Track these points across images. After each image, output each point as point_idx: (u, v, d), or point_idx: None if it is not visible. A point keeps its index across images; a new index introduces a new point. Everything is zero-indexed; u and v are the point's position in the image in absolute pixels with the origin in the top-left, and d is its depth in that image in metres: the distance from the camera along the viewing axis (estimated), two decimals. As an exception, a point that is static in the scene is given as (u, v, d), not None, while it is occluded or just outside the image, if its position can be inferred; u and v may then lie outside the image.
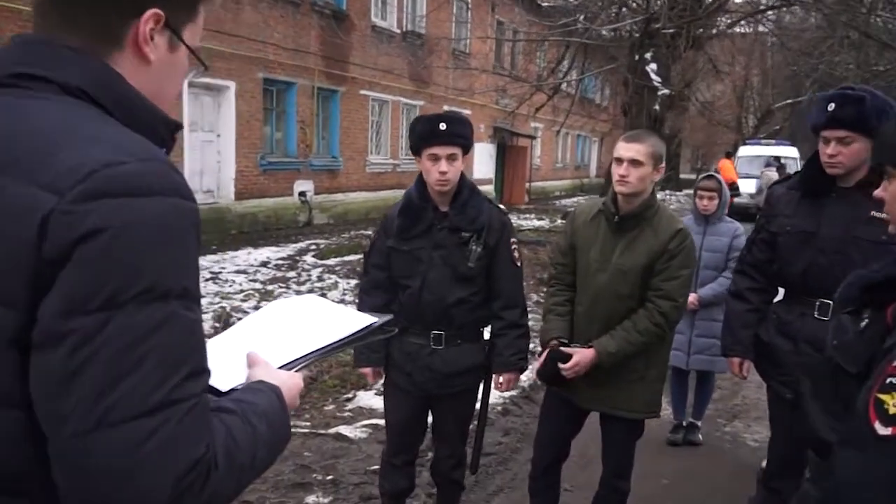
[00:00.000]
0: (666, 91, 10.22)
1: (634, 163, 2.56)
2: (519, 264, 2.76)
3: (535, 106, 14.71)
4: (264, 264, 10.36)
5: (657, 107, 10.26)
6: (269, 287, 8.85)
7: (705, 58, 11.95)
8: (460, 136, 2.63)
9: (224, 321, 7.16)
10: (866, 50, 16.30)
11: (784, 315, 2.67)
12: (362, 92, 16.44)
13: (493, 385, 2.87)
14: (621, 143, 2.68)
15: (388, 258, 2.77)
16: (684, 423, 4.57)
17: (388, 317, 1.28)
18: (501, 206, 2.82)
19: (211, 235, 12.23)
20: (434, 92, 19.07)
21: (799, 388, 2.60)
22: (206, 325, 7.01)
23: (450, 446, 2.90)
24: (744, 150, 22.05)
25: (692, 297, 4.31)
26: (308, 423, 4.53)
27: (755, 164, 19.75)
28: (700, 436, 4.53)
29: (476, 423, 3.02)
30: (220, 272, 9.61)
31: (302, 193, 14.74)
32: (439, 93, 19.24)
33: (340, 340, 1.19)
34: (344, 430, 4.34)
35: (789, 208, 2.66)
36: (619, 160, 2.62)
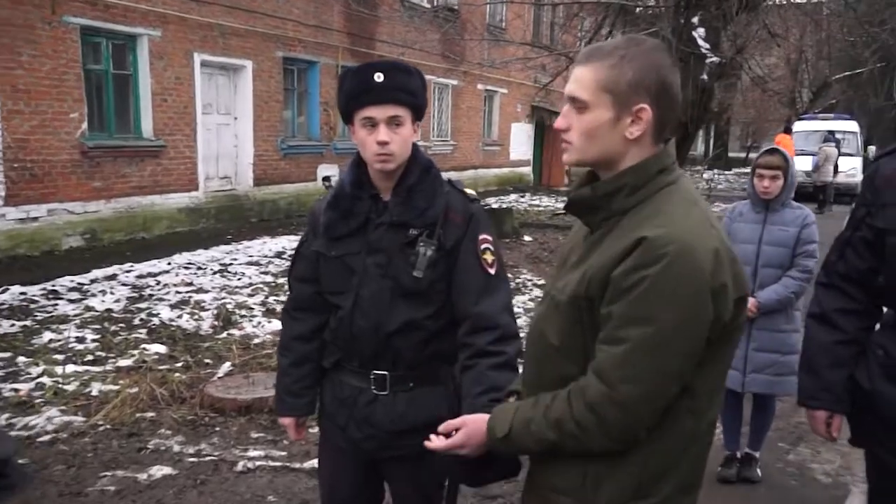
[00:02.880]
0: (715, 59, 9.18)
1: (576, 104, 1.39)
2: (494, 271, 1.91)
3: (572, 81, 13.68)
4: (279, 255, 9.75)
5: (705, 76, 9.22)
6: (280, 280, 8.22)
7: (759, 23, 10.79)
8: (405, 90, 1.85)
9: (225, 319, 6.54)
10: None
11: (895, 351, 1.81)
12: (382, 60, 15.58)
13: None
14: None
15: (317, 267, 2.02)
16: (739, 455, 3.73)
17: None
18: (470, 192, 1.98)
19: (228, 224, 11.69)
20: (468, 69, 18.20)
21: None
22: (206, 324, 6.41)
23: None
24: (799, 125, 20.69)
25: (750, 303, 3.45)
26: (284, 454, 3.83)
27: (812, 140, 18.46)
28: (758, 471, 3.68)
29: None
30: (230, 264, 9.03)
31: (326, 178, 13.58)
32: (474, 70, 18.35)
33: None
34: (322, 463, 3.63)
35: None
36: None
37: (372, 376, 1.94)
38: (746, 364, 3.51)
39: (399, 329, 1.88)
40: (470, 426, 1.51)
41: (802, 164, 16.26)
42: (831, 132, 18.14)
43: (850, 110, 28.09)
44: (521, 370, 1.67)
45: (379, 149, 1.83)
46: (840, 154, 17.40)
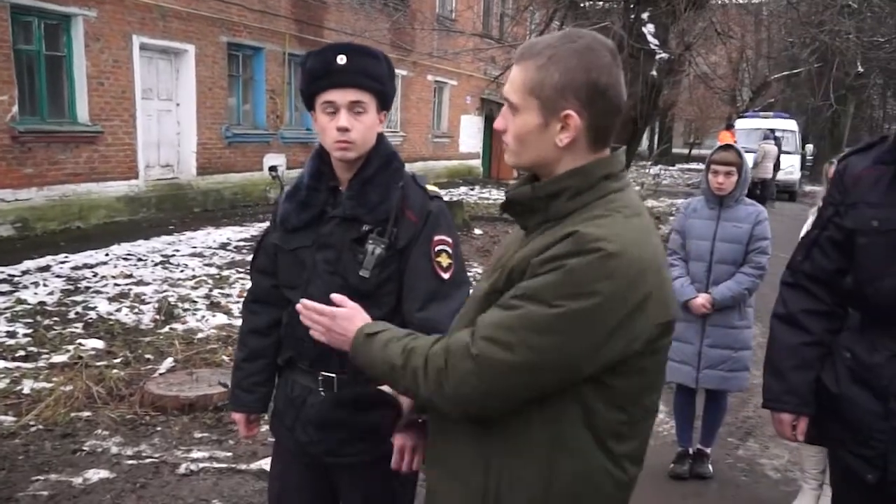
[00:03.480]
0: (664, 55, 9.29)
1: (509, 105, 1.31)
2: (448, 276, 1.77)
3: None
4: (224, 246, 9.47)
5: (654, 72, 9.32)
6: (225, 272, 7.97)
7: (706, 20, 10.99)
8: (369, 74, 1.74)
9: (167, 313, 6.29)
10: (866, 19, 15.47)
11: (864, 355, 1.79)
12: (351, 43, 15.31)
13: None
14: None
15: (275, 260, 1.92)
16: (691, 452, 3.75)
17: None
18: (432, 188, 1.87)
19: (169, 214, 11.30)
20: (417, 60, 18.04)
21: (889, 467, 1.81)
22: (146, 318, 6.15)
23: None
24: (741, 123, 21.22)
25: (703, 298, 3.48)
26: (230, 454, 3.68)
27: (753, 137, 18.94)
28: (710, 467, 3.71)
29: None
30: (172, 255, 8.72)
31: (273, 168, 13.74)
32: (423, 60, 18.20)
33: None
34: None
35: (876, 193, 1.77)
36: None
37: (320, 377, 1.83)
38: (700, 360, 3.52)
39: None
40: (356, 310, 1.46)
41: (743, 161, 16.72)
42: (772, 130, 18.67)
43: (787, 109, 28.98)
44: None
45: (339, 135, 1.72)
46: (780, 152, 17.94)
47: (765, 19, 26.24)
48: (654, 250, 1.23)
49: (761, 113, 23.73)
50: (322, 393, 1.84)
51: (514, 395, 1.21)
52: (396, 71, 17.44)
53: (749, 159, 13.98)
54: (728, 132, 18.50)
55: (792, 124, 21.38)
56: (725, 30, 14.02)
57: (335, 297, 1.49)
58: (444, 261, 1.77)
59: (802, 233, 3.58)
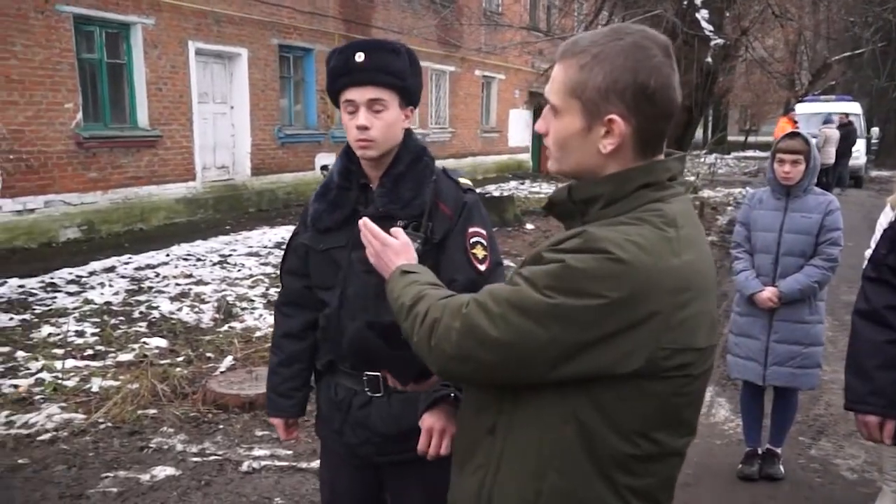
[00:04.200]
0: (719, 41, 9.02)
1: (551, 108, 1.23)
2: (484, 267, 1.75)
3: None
4: (278, 245, 9.62)
5: (709, 59, 9.06)
6: (281, 271, 8.09)
7: (762, 3, 10.63)
8: (388, 70, 1.71)
9: (226, 312, 6.42)
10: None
11: None
12: (374, 39, 15.41)
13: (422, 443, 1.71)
14: None
15: (307, 261, 1.91)
16: (760, 452, 3.63)
17: None
18: (464, 181, 1.83)
19: (226, 214, 11.55)
20: (465, 55, 18.00)
21: None
22: (206, 317, 6.30)
23: None
24: (801, 108, 20.49)
25: (769, 292, 3.36)
26: (290, 452, 3.73)
27: (813, 122, 18.29)
28: (781, 467, 3.58)
29: None
30: (230, 255, 8.91)
31: (324, 167, 13.57)
32: (471, 56, 18.15)
33: None
34: (331, 462, 3.53)
35: None
36: None
37: (365, 378, 1.81)
38: (767, 356, 3.40)
39: (385, 330, 1.66)
40: (407, 247, 1.47)
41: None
42: (844, 114, 18.00)
43: (850, 92, 27.93)
44: None
45: (358, 134, 1.71)
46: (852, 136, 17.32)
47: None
48: (677, 267, 1.10)
49: (822, 97, 22.88)
50: (368, 393, 1.82)
51: (488, 369, 1.15)
52: (444, 67, 17.53)
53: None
54: (787, 118, 17.89)
55: (856, 107, 20.55)
56: (783, 11, 13.56)
57: (394, 229, 1.49)
58: (480, 252, 1.75)
59: (880, 222, 3.43)
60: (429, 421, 1.61)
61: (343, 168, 1.82)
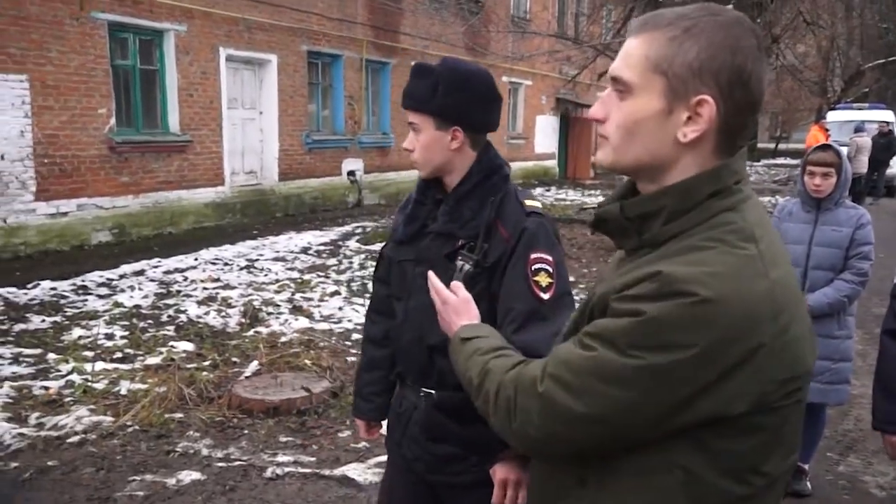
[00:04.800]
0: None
1: (618, 86, 1.08)
2: (548, 296, 1.64)
3: (599, 72, 13.50)
4: (305, 250, 9.70)
5: (740, 67, 8.97)
6: (307, 276, 8.16)
7: (793, 11, 10.50)
8: (414, 96, 1.76)
9: (252, 316, 6.49)
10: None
11: None
12: (415, 63, 15.50)
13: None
14: None
15: (389, 271, 1.95)
16: (787, 467, 3.57)
17: None
18: (534, 204, 1.75)
19: (253, 219, 11.68)
20: (493, 62, 17.99)
21: None
22: (233, 321, 6.36)
23: None
24: (833, 115, 20.17)
25: (799, 306, 3.29)
26: (314, 459, 3.75)
27: (845, 130, 17.98)
28: (808, 484, 3.52)
29: None
30: (256, 259, 9.00)
31: (351, 173, 14.03)
32: (498, 62, 18.15)
33: None
34: (354, 470, 3.54)
35: None
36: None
37: (422, 394, 1.82)
38: (796, 371, 3.35)
39: (439, 346, 1.69)
40: (466, 304, 1.42)
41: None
42: (885, 123, 17.71)
43: (884, 99, 27.41)
44: None
45: (410, 154, 1.78)
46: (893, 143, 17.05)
47: (857, 5, 24.92)
48: (768, 288, 0.97)
49: (854, 104, 22.49)
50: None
51: (580, 444, 1.04)
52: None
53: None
54: (818, 126, 17.61)
55: (889, 115, 20.16)
56: (814, 18, 13.38)
57: (454, 284, 1.48)
58: (544, 280, 1.66)
59: None
60: (501, 472, 1.57)
61: (421, 183, 1.86)
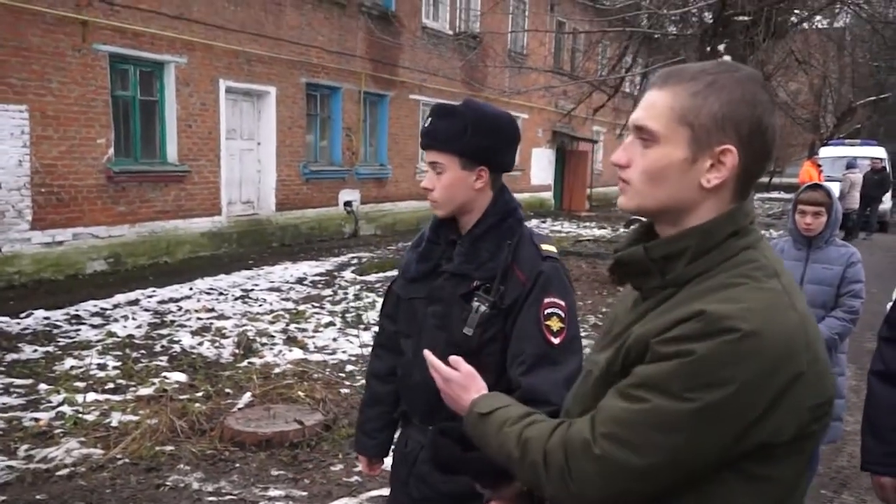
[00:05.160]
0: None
1: (642, 135, 1.14)
2: (559, 341, 1.66)
3: (594, 107, 13.66)
4: (300, 281, 9.70)
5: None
6: (301, 307, 8.15)
7: (785, 50, 10.69)
8: (437, 136, 1.75)
9: (246, 347, 6.47)
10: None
11: None
12: (412, 96, 15.71)
13: None
14: None
15: (397, 308, 1.96)
16: (781, 506, 3.55)
17: None
18: (550, 248, 1.78)
19: (250, 249, 11.69)
20: (489, 95, 18.21)
21: None
22: (226, 352, 6.34)
23: None
24: (826, 151, 20.40)
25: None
26: (305, 494, 3.72)
27: (838, 166, 18.17)
28: (802, 522, 3.50)
29: None
30: (251, 289, 8.99)
31: (347, 203, 14.10)
32: (494, 96, 18.36)
33: None
34: (345, 505, 3.52)
35: None
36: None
37: (429, 433, 1.82)
38: (788, 408, 3.35)
39: None
40: (471, 378, 1.37)
41: (829, 192, 16.05)
42: (878, 159, 17.92)
43: (875, 136, 27.74)
44: None
45: (427, 194, 1.79)
46: (888, 179, 17.27)
47: (848, 45, 25.36)
48: (799, 320, 1.04)
49: (847, 140, 22.75)
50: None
51: (644, 495, 1.07)
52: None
53: (835, 189, 13.33)
54: (811, 161, 17.80)
55: (881, 151, 20.40)
56: (806, 57, 13.63)
57: (452, 358, 1.42)
58: (555, 325, 1.68)
59: None
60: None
61: (435, 222, 1.87)
